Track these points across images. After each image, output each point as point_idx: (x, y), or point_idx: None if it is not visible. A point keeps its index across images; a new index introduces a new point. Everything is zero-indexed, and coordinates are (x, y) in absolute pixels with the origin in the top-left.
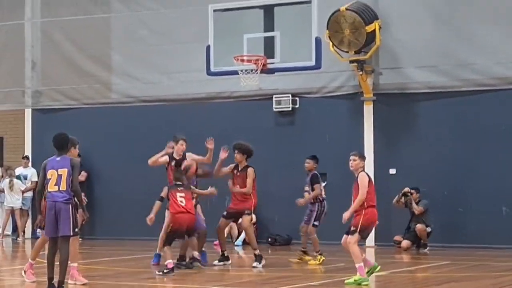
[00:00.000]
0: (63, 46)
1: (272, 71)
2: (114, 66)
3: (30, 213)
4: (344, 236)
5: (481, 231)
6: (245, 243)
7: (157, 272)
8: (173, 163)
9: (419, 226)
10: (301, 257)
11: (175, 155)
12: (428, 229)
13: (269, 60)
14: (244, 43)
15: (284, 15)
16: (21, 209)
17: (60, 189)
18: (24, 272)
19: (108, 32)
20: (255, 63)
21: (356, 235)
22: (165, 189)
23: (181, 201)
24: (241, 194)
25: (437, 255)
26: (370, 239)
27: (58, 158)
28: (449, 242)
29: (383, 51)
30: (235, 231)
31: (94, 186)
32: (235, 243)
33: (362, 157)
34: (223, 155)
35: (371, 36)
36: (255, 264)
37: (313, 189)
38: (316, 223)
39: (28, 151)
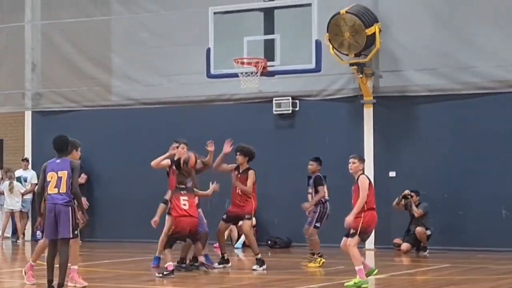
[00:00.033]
0: (63, 48)
1: (272, 73)
2: (114, 69)
3: (30, 215)
4: (344, 238)
5: (481, 234)
6: (245, 245)
7: (157, 274)
8: (174, 166)
9: (419, 229)
10: (312, 259)
11: (176, 159)
12: (428, 232)
13: (269, 63)
14: (244, 46)
15: (284, 17)
16: (21, 211)
17: (60, 191)
18: (25, 273)
19: (108, 35)
20: (255, 66)
21: (356, 238)
22: (169, 192)
23: (184, 204)
24: (242, 191)
25: (437, 258)
26: (370, 242)
27: (58, 161)
28: (449, 245)
29: (383, 54)
30: (235, 234)
31: (94, 188)
32: (235, 245)
33: (362, 160)
34: (227, 148)
35: (371, 39)
36: (255, 267)
37: (316, 191)
38: (317, 224)
39: (28, 154)
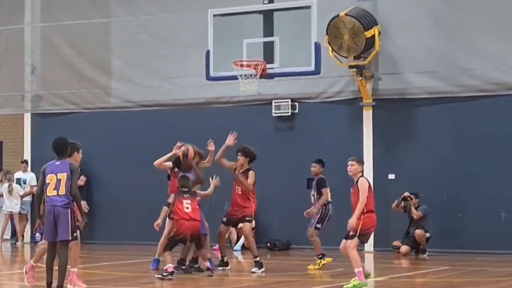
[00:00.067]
0: (63, 50)
1: (271, 76)
2: (114, 71)
3: (29, 217)
4: (343, 241)
5: (480, 237)
6: (244, 248)
7: (156, 276)
8: (176, 168)
9: (418, 231)
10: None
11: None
12: (427, 235)
13: (268, 65)
14: (244, 48)
15: (284, 20)
16: (20, 213)
17: (59, 193)
18: (25, 272)
19: (107, 37)
20: (255, 68)
21: (356, 240)
22: (172, 196)
23: (187, 208)
24: (242, 190)
25: (436, 260)
26: (369, 244)
27: (58, 163)
28: (448, 248)
29: (383, 57)
30: (234, 236)
31: (94, 190)
32: (234, 248)
33: (360, 162)
34: (230, 140)
35: (371, 42)
36: (254, 269)
37: (319, 193)
38: (318, 225)
39: (27, 156)
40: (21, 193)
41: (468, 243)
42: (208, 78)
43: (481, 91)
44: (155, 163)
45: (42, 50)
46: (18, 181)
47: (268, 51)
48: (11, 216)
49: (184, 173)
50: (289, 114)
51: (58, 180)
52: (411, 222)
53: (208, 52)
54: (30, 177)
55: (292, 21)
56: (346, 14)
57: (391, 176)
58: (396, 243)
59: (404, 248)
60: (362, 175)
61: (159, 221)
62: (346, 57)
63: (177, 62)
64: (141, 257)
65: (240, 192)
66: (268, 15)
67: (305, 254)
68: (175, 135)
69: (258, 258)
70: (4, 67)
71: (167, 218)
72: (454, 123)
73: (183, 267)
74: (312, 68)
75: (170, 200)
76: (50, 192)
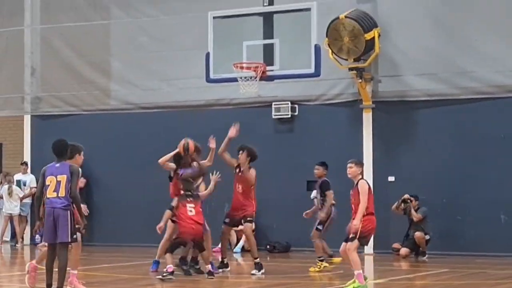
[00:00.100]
0: (62, 52)
1: (271, 78)
2: (114, 73)
3: (28, 219)
4: (343, 243)
5: (480, 239)
6: (243, 250)
7: (157, 277)
8: (178, 169)
9: (417, 233)
10: (330, 261)
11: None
12: (427, 237)
13: (268, 67)
14: (244, 50)
15: (284, 22)
16: (19, 215)
17: (59, 195)
18: (28, 272)
19: (107, 39)
20: (255, 70)
21: (356, 242)
22: (175, 199)
23: (190, 211)
24: (243, 187)
25: (435, 262)
26: (369, 247)
27: (58, 165)
28: (447, 250)
29: (382, 59)
30: (234, 238)
31: (93, 192)
32: (234, 250)
33: (359, 164)
34: (232, 132)
35: (370, 44)
36: (254, 271)
37: (323, 196)
38: (319, 227)
39: (27, 157)
40: (21, 195)
41: (468, 245)
42: (208, 80)
43: (481, 93)
44: (159, 160)
45: (41, 52)
46: (18, 183)
47: (268, 53)
48: (10, 218)
49: (184, 170)
50: (289, 116)
51: (58, 182)
52: (411, 224)
53: (208, 54)
54: (29, 179)
55: (292, 23)
56: (346, 17)
57: (391, 178)
58: (396, 245)
59: (403, 250)
60: (362, 177)
61: (162, 224)
62: (346, 59)
63: (177, 64)
64: (141, 259)
65: (241, 191)
66: (268, 17)
67: (305, 256)
68: (175, 137)
69: (258, 260)
70: (4, 69)
71: (170, 221)
72: (453, 125)
73: (184, 267)
74: (312, 70)
75: (174, 203)
76: (49, 194)
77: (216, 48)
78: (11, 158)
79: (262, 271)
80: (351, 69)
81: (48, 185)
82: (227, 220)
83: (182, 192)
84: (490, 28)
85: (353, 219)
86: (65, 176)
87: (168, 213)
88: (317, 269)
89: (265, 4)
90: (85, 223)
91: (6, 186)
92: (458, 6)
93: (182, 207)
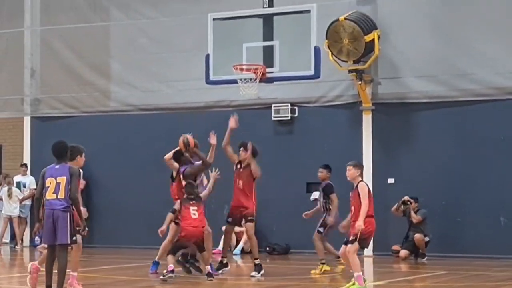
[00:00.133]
0: (62, 54)
1: (271, 80)
2: (113, 74)
3: (28, 221)
4: (343, 246)
5: (479, 241)
6: (243, 252)
7: (158, 278)
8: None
9: (417, 235)
10: (339, 262)
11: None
12: (426, 239)
13: (268, 69)
14: (243, 52)
15: (284, 24)
16: (19, 217)
17: (59, 197)
18: (30, 272)
19: (107, 40)
20: (254, 72)
21: (356, 244)
22: (178, 203)
23: (193, 214)
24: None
25: (435, 264)
26: (368, 249)
27: (57, 166)
28: (447, 252)
29: (382, 61)
30: (233, 240)
31: (93, 194)
32: (233, 252)
33: (358, 166)
34: (232, 123)
35: (370, 46)
36: (253, 273)
37: (327, 199)
38: (320, 229)
39: (26, 159)
40: (21, 197)
41: (467, 247)
42: (208, 82)
43: (481, 95)
44: (165, 156)
45: (41, 54)
46: (18, 184)
47: (268, 55)
48: (10, 219)
49: (185, 167)
50: (289, 118)
51: (58, 184)
52: (411, 226)
53: (208, 56)
54: (29, 180)
55: (292, 25)
56: (345, 19)
57: (391, 180)
58: (395, 247)
59: (403, 252)
60: (362, 180)
61: (164, 227)
62: (346, 61)
63: (176, 66)
64: (140, 261)
65: (242, 187)
66: (268, 19)
67: (305, 258)
68: (175, 139)
69: (258, 261)
70: (4, 70)
71: (172, 223)
72: (453, 128)
73: (187, 264)
74: (311, 72)
75: (176, 207)
76: (49, 195)
77: (216, 49)
78: (10, 159)
79: (262, 272)
80: (351, 71)
81: (48, 186)
82: (229, 220)
83: (185, 195)
84: (489, 30)
85: (353, 221)
86: (64, 177)
87: (170, 216)
88: (317, 272)
89: (265, 6)
90: (85, 225)
91: (5, 188)
92: (457, 8)
93: (185, 209)
